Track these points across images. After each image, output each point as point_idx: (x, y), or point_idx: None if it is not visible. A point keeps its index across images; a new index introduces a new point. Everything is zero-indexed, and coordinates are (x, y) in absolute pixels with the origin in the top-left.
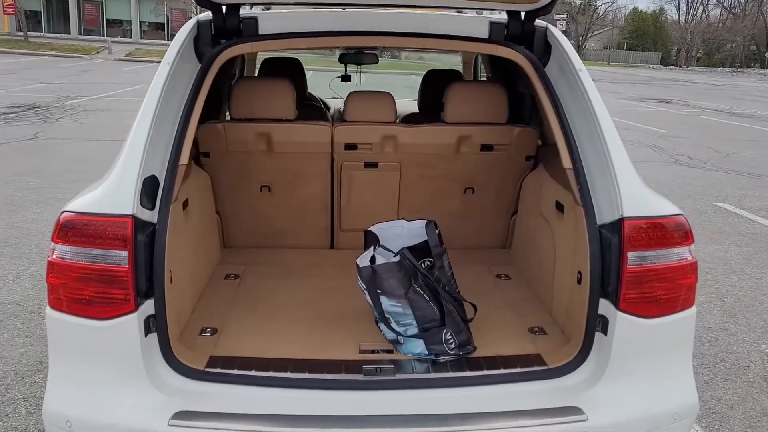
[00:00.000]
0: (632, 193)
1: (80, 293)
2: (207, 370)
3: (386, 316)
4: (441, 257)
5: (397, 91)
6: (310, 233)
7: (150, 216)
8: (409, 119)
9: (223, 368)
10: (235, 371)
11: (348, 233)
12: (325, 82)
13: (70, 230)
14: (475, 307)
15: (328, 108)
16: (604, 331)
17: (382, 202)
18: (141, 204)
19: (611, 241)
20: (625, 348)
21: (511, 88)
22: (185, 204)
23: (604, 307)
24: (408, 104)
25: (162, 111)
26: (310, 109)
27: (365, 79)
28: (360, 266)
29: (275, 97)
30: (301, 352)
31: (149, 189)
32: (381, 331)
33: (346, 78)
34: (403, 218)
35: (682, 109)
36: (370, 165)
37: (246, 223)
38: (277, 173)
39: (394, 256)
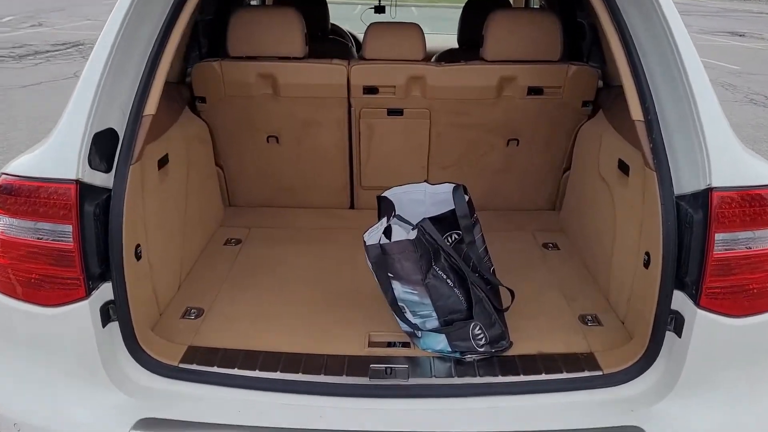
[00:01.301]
0: (724, 156)
1: (28, 274)
2: (181, 366)
3: (399, 305)
4: (471, 230)
5: (437, 24)
6: (325, 191)
7: (104, 180)
8: (447, 57)
9: (201, 363)
10: (214, 368)
11: (369, 191)
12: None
13: (10, 197)
14: (512, 293)
15: (357, 44)
16: (678, 332)
17: (408, 155)
18: (90, 165)
19: (693, 217)
20: (705, 354)
21: (567, 17)
22: (163, 161)
23: (680, 301)
24: (449, 39)
25: (124, 46)
26: (332, 44)
27: (403, 14)
28: (367, 244)
29: (280, 31)
30: (297, 343)
31: (103, 146)
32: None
33: (379, 9)
34: (426, 180)
35: (757, 43)
36: (394, 112)
37: (252, 178)
38: (285, 121)
39: (412, 230)
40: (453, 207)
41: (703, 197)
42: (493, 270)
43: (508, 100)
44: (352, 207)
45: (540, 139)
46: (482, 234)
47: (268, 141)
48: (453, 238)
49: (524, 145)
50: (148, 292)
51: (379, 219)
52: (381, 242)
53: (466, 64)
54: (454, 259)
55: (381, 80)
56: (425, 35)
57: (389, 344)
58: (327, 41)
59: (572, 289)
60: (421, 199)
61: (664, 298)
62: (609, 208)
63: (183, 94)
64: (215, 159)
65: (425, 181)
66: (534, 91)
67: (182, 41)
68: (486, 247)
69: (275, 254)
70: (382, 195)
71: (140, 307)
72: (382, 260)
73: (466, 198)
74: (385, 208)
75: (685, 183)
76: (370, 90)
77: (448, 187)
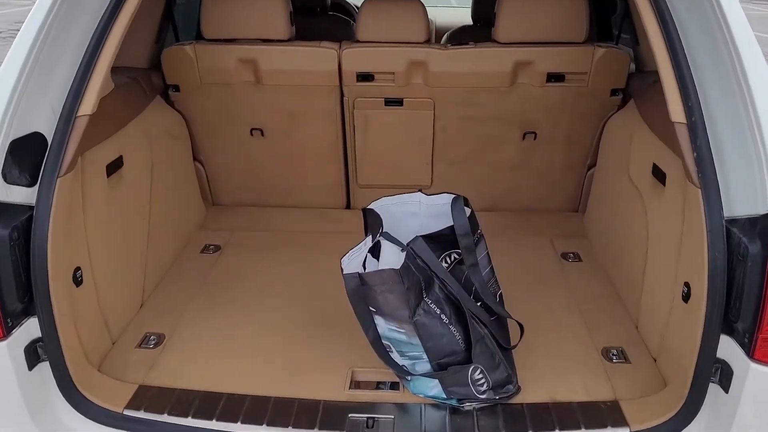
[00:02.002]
0: None
1: None
2: (126, 413)
3: (384, 343)
4: (473, 250)
5: None
6: (318, 189)
7: (26, 196)
8: (459, 36)
9: (150, 409)
10: (165, 417)
11: (367, 189)
12: None
13: None
14: (521, 327)
15: None
16: (725, 386)
17: (410, 150)
18: (5, 179)
19: (748, 248)
20: (759, 416)
21: None
22: (114, 165)
23: (727, 348)
24: (464, 14)
25: (56, 32)
26: (331, 22)
27: None
28: (344, 272)
29: (261, 9)
30: (267, 381)
31: (25, 155)
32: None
33: None
34: (420, 189)
35: None
36: (393, 102)
37: (235, 175)
38: (270, 112)
39: (402, 251)
40: (452, 223)
41: (762, 225)
42: (500, 295)
43: (525, 88)
44: (348, 207)
45: (561, 133)
46: (487, 252)
47: (251, 134)
48: (452, 258)
49: (543, 138)
50: (95, 320)
51: (366, 236)
52: (361, 271)
53: (476, 47)
54: (451, 288)
55: (377, 66)
56: (436, 9)
57: (375, 385)
58: (325, 18)
59: (595, 314)
60: (415, 212)
61: (708, 344)
62: (640, 219)
63: (154, 82)
64: (194, 154)
65: (419, 190)
66: (554, 77)
67: (149, 21)
68: (492, 267)
69: (256, 265)
70: (369, 207)
71: (82, 340)
72: (362, 292)
73: (468, 211)
74: (372, 223)
75: (738, 204)
76: (365, 77)
77: (447, 198)
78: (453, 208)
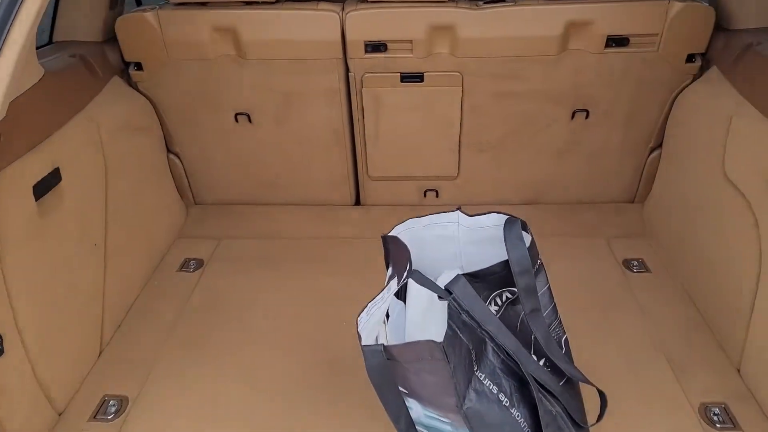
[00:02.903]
0: None
1: None
2: None
3: (418, 429)
4: (534, 292)
5: None
6: (320, 184)
7: None
8: None
9: None
10: None
11: (380, 182)
12: None
13: None
14: (603, 398)
15: None
16: None
17: (431, 135)
18: None
19: None
20: None
21: None
22: (47, 183)
23: None
24: None
25: None
26: None
27: None
28: (362, 344)
29: None
30: None
31: None
32: None
33: None
34: (459, 208)
35: None
36: (411, 77)
37: (219, 169)
38: (257, 93)
39: (439, 300)
40: (502, 249)
41: None
42: (566, 341)
43: (578, 55)
44: (357, 203)
45: (620, 109)
46: (548, 286)
47: (236, 120)
48: (503, 299)
49: (597, 117)
50: (28, 393)
51: (387, 269)
52: (385, 338)
53: (517, 5)
54: (508, 350)
55: (391, 32)
56: None
57: None
58: None
59: (682, 352)
60: (452, 236)
61: None
62: (748, 232)
63: (110, 60)
64: (168, 145)
65: (458, 208)
66: (616, 41)
67: None
68: (554, 305)
69: (247, 289)
70: (390, 234)
71: (10, 421)
72: (389, 369)
73: (528, 239)
74: (396, 256)
75: None
76: (376, 47)
77: (496, 220)
78: (507, 236)
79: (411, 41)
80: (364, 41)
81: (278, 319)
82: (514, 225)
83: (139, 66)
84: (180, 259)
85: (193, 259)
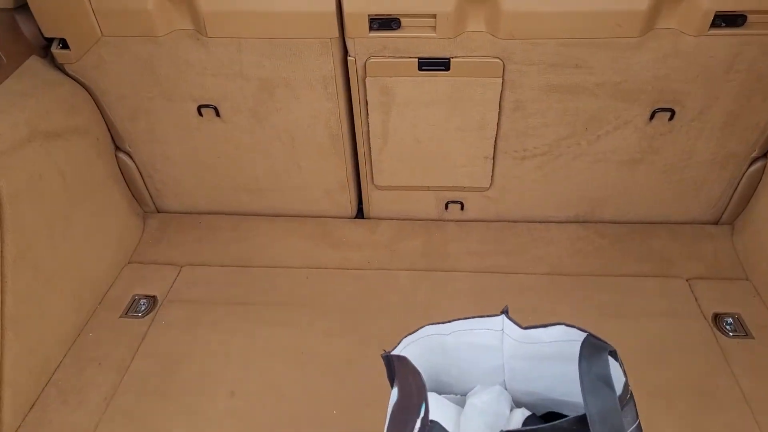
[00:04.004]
0: None
1: None
2: None
3: None
4: None
5: None
6: (312, 190)
7: None
8: None
9: None
10: None
11: (387, 192)
12: None
13: None
14: None
15: None
16: None
17: (458, 138)
18: None
19: None
20: None
21: None
22: None
23: None
24: None
25: None
26: None
27: None
28: None
29: None
30: None
31: None
32: None
33: None
34: (505, 311)
35: None
36: (433, 64)
37: (183, 172)
38: (225, 80)
39: None
40: (570, 366)
41: None
42: None
43: (668, 38)
44: (359, 215)
45: (719, 110)
46: (638, 423)
47: (200, 113)
48: None
49: (685, 119)
50: None
51: (391, 396)
52: None
53: None
54: None
55: (405, 3)
56: None
57: None
58: None
59: None
60: (493, 345)
61: None
62: None
63: (25, 33)
64: (116, 142)
65: (503, 312)
66: (727, 20)
67: None
68: None
69: (208, 347)
70: (394, 353)
71: None
72: None
73: (620, 374)
74: (404, 382)
75: None
76: (385, 23)
77: (562, 334)
78: (584, 373)
79: (434, 15)
80: (369, 15)
81: (250, 403)
82: (595, 354)
83: (64, 44)
84: (127, 297)
85: (144, 297)
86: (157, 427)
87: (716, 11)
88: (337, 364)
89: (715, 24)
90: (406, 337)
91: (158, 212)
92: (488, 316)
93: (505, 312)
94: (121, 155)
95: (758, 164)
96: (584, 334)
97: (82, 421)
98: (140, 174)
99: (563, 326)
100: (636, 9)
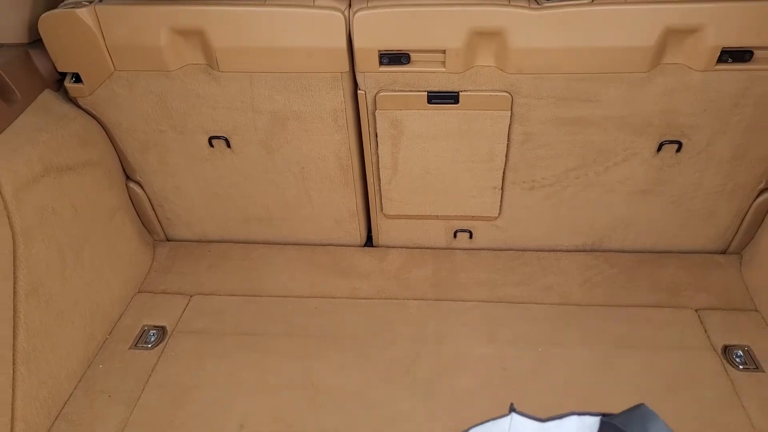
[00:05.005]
0: None
1: None
2: None
3: None
4: None
5: None
6: (322, 219)
7: None
8: None
9: None
10: None
11: (397, 221)
12: None
13: None
14: None
15: None
16: None
17: (467, 169)
18: None
19: None
20: None
21: None
22: None
23: None
24: None
25: None
26: None
27: None
28: None
29: None
30: None
31: None
32: None
33: None
34: (513, 409)
35: None
36: (442, 97)
37: (194, 202)
38: (235, 114)
39: None
40: None
41: None
42: None
43: (676, 72)
44: (369, 243)
45: (726, 143)
46: None
47: (211, 144)
48: None
49: (692, 151)
50: None
51: None
52: None
53: (594, 4)
54: None
55: (416, 39)
56: None
57: None
58: None
59: None
60: None
61: None
62: None
63: (39, 68)
64: (127, 172)
65: (511, 409)
66: (734, 55)
67: None
68: None
69: (218, 381)
70: None
71: None
72: None
73: None
74: None
75: None
76: (395, 58)
77: (577, 424)
78: None
79: (444, 51)
80: (379, 50)
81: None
82: None
83: (77, 78)
84: (137, 327)
85: (153, 328)
86: None
87: (723, 47)
88: (347, 396)
89: (721, 59)
90: None
91: (168, 240)
92: (496, 418)
93: (512, 408)
94: (132, 185)
95: (765, 195)
96: (597, 419)
97: None
98: (150, 203)
99: (575, 416)
100: (643, 45)
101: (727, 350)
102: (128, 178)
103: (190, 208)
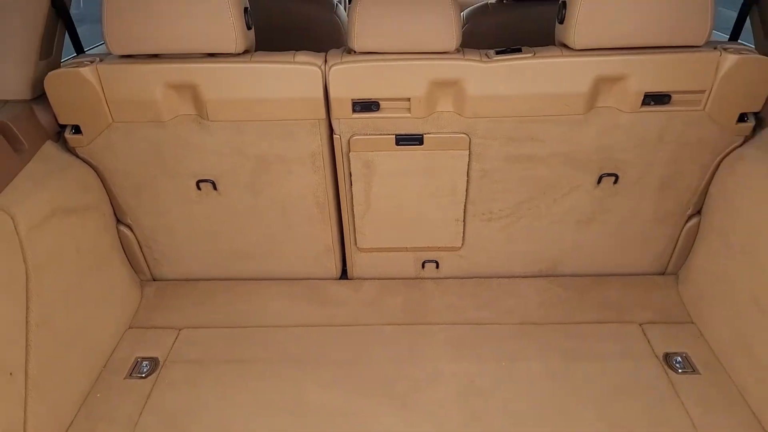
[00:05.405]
0: None
1: None
2: None
3: None
4: None
5: None
6: (300, 255)
7: None
8: (481, 22)
9: None
10: None
11: (370, 254)
12: None
13: None
14: None
15: None
16: None
17: (432, 204)
18: None
19: None
20: None
21: None
22: None
23: None
24: None
25: None
26: (309, 4)
27: None
28: None
29: (198, 8)
30: None
31: None
32: None
33: None
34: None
35: None
36: (408, 140)
37: (180, 242)
38: (222, 159)
39: None
40: None
41: None
42: None
43: (608, 115)
44: (344, 276)
45: (654, 174)
46: None
47: (199, 187)
48: None
49: (627, 182)
50: None
51: None
52: None
53: (535, 57)
54: None
55: (384, 89)
56: None
57: None
58: (295, 3)
59: None
60: None
61: None
62: None
63: (41, 123)
64: (118, 216)
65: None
66: (655, 98)
67: (24, 21)
68: None
69: (211, 404)
70: None
71: None
72: None
73: None
74: None
75: None
76: (366, 106)
77: None
78: None
79: (409, 99)
80: (352, 99)
81: None
82: None
83: (77, 129)
84: (130, 359)
85: (146, 359)
86: None
87: (645, 92)
88: (334, 412)
89: (645, 102)
90: None
91: (154, 280)
92: None
93: None
94: (122, 228)
95: (694, 221)
96: None
97: None
98: (139, 245)
99: None
100: (579, 91)
101: (667, 357)
102: (119, 221)
103: (178, 248)
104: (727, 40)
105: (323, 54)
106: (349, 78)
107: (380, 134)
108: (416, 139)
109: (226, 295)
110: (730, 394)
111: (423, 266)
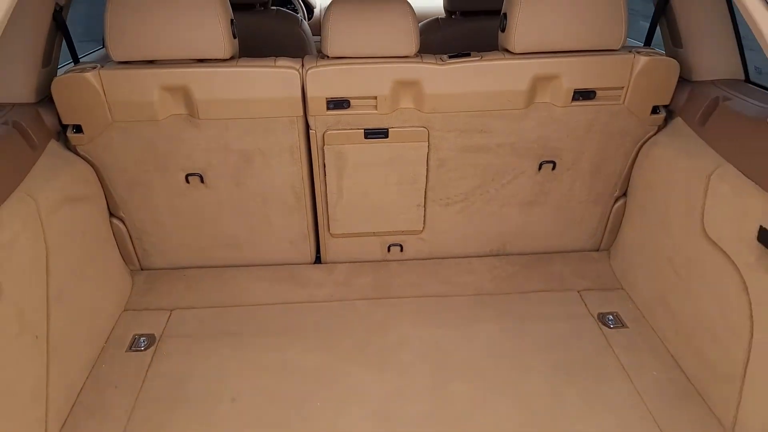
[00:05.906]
0: None
1: None
2: None
3: None
4: None
5: None
6: (279, 242)
7: None
8: (432, 35)
9: None
10: None
11: (342, 239)
12: None
13: None
14: None
15: (311, 12)
16: None
17: (397, 190)
18: None
19: None
20: None
21: None
22: None
23: None
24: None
25: None
26: (277, 20)
27: None
28: None
29: (189, 18)
30: None
31: None
32: None
33: None
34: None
35: None
36: (375, 133)
37: (169, 232)
38: (211, 154)
39: None
40: None
41: None
42: None
43: (544, 109)
44: (318, 261)
45: (586, 160)
46: None
47: (187, 181)
48: None
49: (563, 168)
50: None
51: None
52: None
53: (482, 60)
54: None
55: (354, 89)
56: None
57: None
58: (267, 16)
59: (671, 418)
60: None
61: None
62: (737, 297)
63: (47, 123)
64: (111, 210)
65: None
66: (583, 95)
67: (28, 33)
68: None
69: (208, 368)
70: None
71: None
72: None
73: None
74: None
75: None
76: (338, 104)
77: None
78: None
79: (376, 97)
80: (326, 98)
81: (249, 405)
82: None
83: (78, 128)
84: (129, 336)
85: (143, 335)
86: (174, 430)
87: (574, 89)
88: (316, 373)
89: (575, 98)
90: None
91: (142, 270)
92: None
93: None
94: (115, 220)
95: (621, 201)
96: None
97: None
98: (130, 236)
99: None
100: (520, 89)
101: (601, 316)
102: (111, 214)
103: (167, 239)
104: (642, 45)
105: (300, 59)
106: (324, 79)
107: (351, 129)
108: (382, 133)
109: (212, 280)
110: (653, 343)
111: (389, 249)
